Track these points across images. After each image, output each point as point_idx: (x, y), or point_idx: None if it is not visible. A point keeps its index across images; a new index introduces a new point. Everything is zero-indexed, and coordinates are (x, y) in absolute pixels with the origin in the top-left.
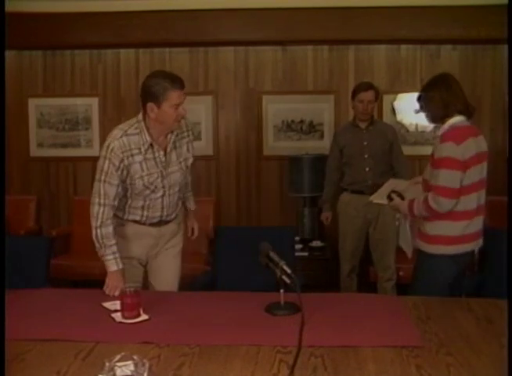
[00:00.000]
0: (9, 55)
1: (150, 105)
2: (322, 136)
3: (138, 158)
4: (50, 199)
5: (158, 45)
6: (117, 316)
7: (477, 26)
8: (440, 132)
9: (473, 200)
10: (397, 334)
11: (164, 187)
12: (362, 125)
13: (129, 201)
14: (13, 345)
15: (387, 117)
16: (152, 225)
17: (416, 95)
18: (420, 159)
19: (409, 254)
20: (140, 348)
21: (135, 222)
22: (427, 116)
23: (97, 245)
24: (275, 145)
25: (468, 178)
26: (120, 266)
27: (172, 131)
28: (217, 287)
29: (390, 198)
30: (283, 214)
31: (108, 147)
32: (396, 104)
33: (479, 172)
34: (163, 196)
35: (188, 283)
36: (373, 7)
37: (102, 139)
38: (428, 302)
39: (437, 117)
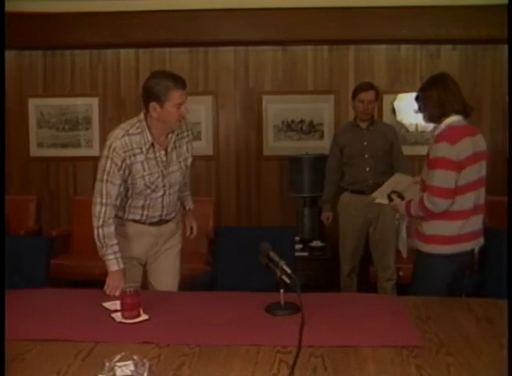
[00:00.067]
0: (9, 55)
1: (153, 105)
2: (322, 136)
3: (140, 158)
4: (50, 199)
5: (158, 45)
6: (117, 316)
7: (477, 26)
8: (437, 132)
9: (469, 200)
10: (397, 334)
11: (164, 186)
12: (363, 125)
13: (129, 201)
14: (13, 345)
15: (387, 117)
16: (152, 224)
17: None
18: (420, 159)
19: (404, 254)
20: (140, 348)
21: (135, 221)
22: (425, 116)
23: (98, 245)
24: (275, 145)
25: (464, 178)
26: (121, 266)
27: (173, 131)
28: (217, 287)
29: (390, 198)
30: (283, 214)
31: (110, 147)
32: (396, 104)
33: (477, 172)
34: (163, 195)
35: (188, 283)
36: (373, 7)
37: (102, 139)
38: (428, 302)
39: (434, 117)
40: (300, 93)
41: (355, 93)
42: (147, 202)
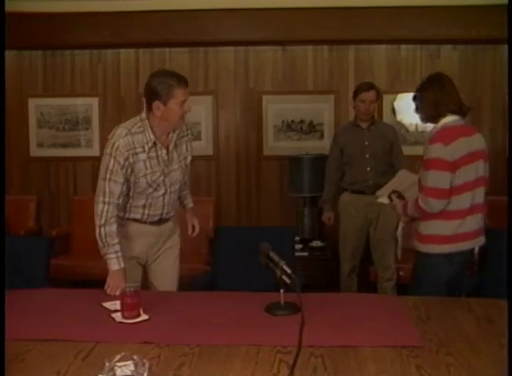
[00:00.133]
0: (9, 55)
1: (156, 103)
2: (322, 136)
3: (143, 156)
4: (50, 199)
5: (158, 45)
6: (117, 316)
7: (477, 26)
8: (433, 132)
9: (466, 200)
10: (397, 334)
11: (165, 185)
12: (364, 125)
13: (131, 200)
14: (13, 345)
15: (387, 117)
16: (152, 223)
17: None
18: (420, 159)
19: (399, 254)
20: (140, 348)
21: (136, 220)
22: (421, 116)
23: (100, 244)
24: (275, 145)
25: (459, 178)
26: (122, 265)
27: (174, 131)
28: (217, 287)
29: (391, 198)
30: (283, 214)
31: (113, 145)
32: (396, 104)
33: (473, 171)
34: (164, 194)
35: (188, 283)
36: (373, 7)
37: (102, 139)
38: (428, 302)
39: (430, 117)
40: (300, 93)
41: (356, 93)
42: (149, 201)
